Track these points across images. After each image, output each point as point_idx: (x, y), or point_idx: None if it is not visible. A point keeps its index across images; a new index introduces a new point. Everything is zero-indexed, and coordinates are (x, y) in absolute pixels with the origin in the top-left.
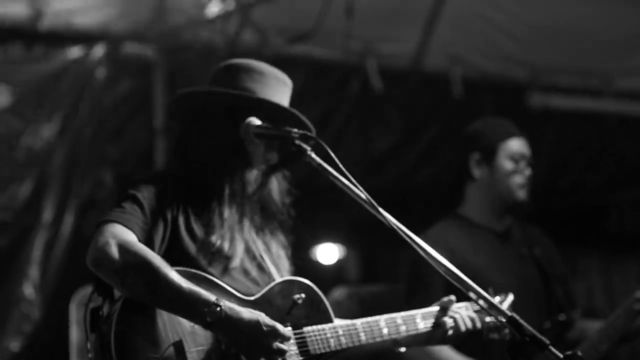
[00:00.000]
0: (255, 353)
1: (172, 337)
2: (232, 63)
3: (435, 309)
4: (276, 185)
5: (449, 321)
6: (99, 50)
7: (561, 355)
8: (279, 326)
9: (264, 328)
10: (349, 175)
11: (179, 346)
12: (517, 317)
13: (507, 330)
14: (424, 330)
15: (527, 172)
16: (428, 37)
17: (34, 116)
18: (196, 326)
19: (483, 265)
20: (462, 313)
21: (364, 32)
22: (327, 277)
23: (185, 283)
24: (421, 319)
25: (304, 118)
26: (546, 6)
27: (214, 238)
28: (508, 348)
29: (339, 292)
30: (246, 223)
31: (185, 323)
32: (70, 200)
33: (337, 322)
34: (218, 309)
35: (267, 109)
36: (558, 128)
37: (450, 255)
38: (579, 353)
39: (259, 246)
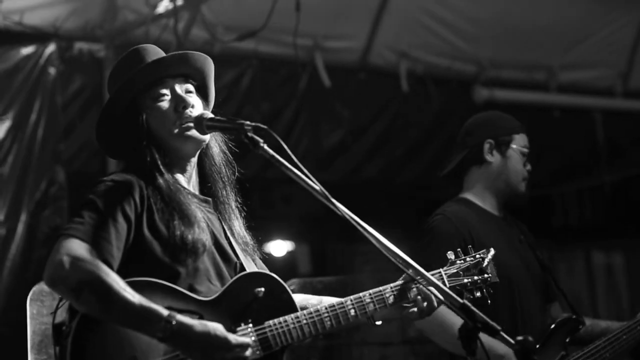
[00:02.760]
0: None
1: (129, 352)
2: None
3: (402, 282)
4: (216, 148)
5: (420, 300)
6: (51, 49)
7: (512, 341)
8: (231, 337)
9: (215, 341)
10: (302, 167)
11: None
12: (469, 305)
13: (489, 290)
14: (393, 304)
15: (529, 167)
16: (375, 32)
17: None
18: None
19: (494, 245)
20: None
21: (312, 29)
22: (278, 272)
23: (137, 299)
24: (390, 293)
25: (193, 53)
26: (490, 1)
27: (176, 232)
28: (460, 335)
29: (291, 283)
30: (204, 205)
31: (144, 336)
32: (24, 198)
33: (300, 302)
34: (169, 324)
35: (149, 74)
36: None
37: (469, 234)
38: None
39: (223, 229)
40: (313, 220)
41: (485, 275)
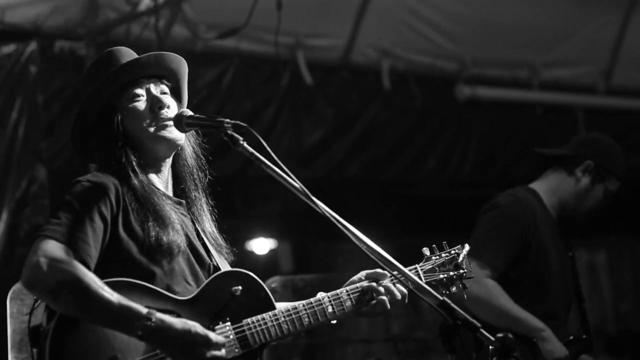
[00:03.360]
0: None
1: (108, 353)
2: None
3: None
4: (189, 150)
5: (383, 294)
6: (32, 47)
7: (492, 338)
8: (212, 335)
9: (197, 338)
10: (282, 165)
11: None
12: (449, 302)
13: (465, 286)
14: (370, 300)
15: (601, 208)
16: (357, 30)
17: None
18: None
19: (547, 242)
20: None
21: (294, 27)
22: (260, 270)
23: (116, 298)
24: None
25: (168, 54)
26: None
27: (151, 233)
28: (440, 332)
29: (272, 280)
30: (178, 207)
31: (122, 335)
32: (5, 197)
33: (280, 306)
34: (148, 322)
35: (125, 74)
36: (486, 119)
37: (533, 220)
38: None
39: (196, 231)
40: (295, 218)
41: (461, 271)
